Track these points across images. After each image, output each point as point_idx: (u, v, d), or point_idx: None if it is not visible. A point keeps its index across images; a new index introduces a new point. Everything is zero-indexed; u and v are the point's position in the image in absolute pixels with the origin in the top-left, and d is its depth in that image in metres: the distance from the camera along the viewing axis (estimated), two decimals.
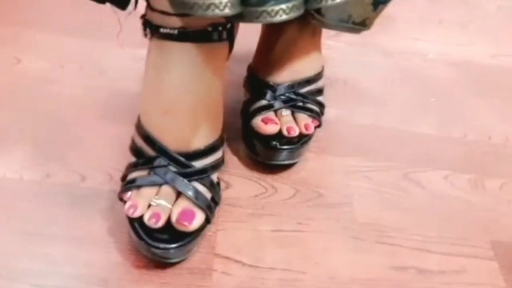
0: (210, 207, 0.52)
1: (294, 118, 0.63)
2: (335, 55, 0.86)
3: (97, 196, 0.58)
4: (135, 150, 0.54)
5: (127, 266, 0.52)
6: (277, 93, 0.63)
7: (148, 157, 0.53)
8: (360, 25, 0.60)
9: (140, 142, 0.54)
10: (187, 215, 0.50)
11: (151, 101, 0.53)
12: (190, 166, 0.52)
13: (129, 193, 0.52)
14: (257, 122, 0.62)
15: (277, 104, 0.63)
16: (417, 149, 0.71)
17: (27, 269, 0.50)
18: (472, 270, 0.56)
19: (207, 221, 0.52)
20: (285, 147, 0.61)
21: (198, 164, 0.53)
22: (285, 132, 0.61)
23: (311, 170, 0.65)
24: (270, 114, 0.63)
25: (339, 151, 0.68)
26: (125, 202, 0.51)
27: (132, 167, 0.53)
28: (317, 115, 0.65)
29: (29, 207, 0.56)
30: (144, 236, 0.49)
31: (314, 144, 0.66)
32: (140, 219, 0.50)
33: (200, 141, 0.53)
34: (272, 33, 0.65)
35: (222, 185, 0.59)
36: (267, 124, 0.61)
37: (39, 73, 0.74)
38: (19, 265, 0.51)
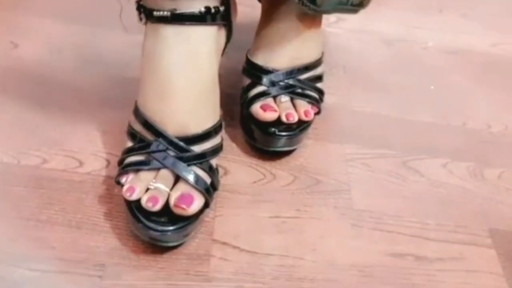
0: (209, 191, 0.52)
1: (294, 105, 0.63)
2: (335, 42, 0.86)
3: (94, 182, 0.58)
4: (132, 134, 0.54)
5: (124, 251, 0.52)
6: (276, 79, 0.63)
7: (146, 141, 0.52)
8: (358, 5, 0.60)
9: (138, 127, 0.53)
10: (186, 198, 0.50)
11: (148, 85, 0.53)
12: (189, 151, 0.52)
13: (126, 176, 0.52)
14: (256, 109, 0.62)
15: (275, 91, 0.63)
16: (416, 137, 0.70)
17: (24, 254, 0.50)
18: (470, 258, 0.56)
19: (206, 205, 0.52)
20: (283, 133, 0.61)
21: (197, 148, 0.53)
22: (284, 119, 0.61)
23: (309, 157, 0.65)
24: (269, 100, 0.62)
25: (338, 138, 0.68)
26: (122, 185, 0.51)
27: (129, 151, 0.53)
28: (317, 102, 0.64)
29: (26, 192, 0.56)
30: (141, 219, 0.49)
31: (313, 131, 0.66)
32: (137, 202, 0.49)
33: (198, 126, 0.53)
34: (271, 19, 0.65)
35: (221, 171, 0.59)
36: (266, 111, 0.61)
37: (36, 58, 0.73)
38: (16, 250, 0.50)
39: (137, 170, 0.51)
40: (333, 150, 0.66)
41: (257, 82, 0.64)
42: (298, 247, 0.55)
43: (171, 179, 0.51)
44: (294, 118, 0.61)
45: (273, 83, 0.63)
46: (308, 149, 0.66)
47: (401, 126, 0.72)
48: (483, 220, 0.61)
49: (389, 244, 0.56)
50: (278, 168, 0.63)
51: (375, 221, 0.59)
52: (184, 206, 0.49)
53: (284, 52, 0.64)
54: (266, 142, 0.62)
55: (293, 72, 0.64)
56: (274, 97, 0.63)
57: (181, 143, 0.52)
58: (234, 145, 0.65)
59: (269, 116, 0.61)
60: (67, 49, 0.75)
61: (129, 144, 0.54)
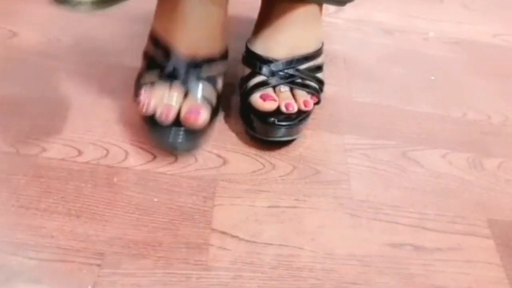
0: (217, 103, 0.60)
1: (293, 95, 0.63)
2: (335, 32, 0.86)
3: (93, 171, 0.58)
4: (147, 54, 0.60)
5: (123, 240, 0.52)
6: (276, 69, 0.63)
7: (159, 60, 0.58)
8: None
9: (152, 48, 0.59)
10: (195, 112, 0.55)
11: (162, 10, 0.58)
12: (199, 69, 0.58)
13: (141, 92, 0.57)
14: (256, 98, 0.62)
15: (275, 80, 0.62)
16: (416, 128, 0.70)
17: (23, 242, 0.50)
18: (469, 248, 0.57)
19: (215, 113, 0.59)
20: (283, 123, 0.61)
21: (206, 67, 0.59)
22: (283, 109, 0.61)
23: (309, 147, 0.65)
24: (269, 90, 0.62)
25: (337, 128, 0.68)
26: (138, 102, 0.57)
27: (145, 69, 0.60)
28: (316, 92, 0.64)
29: (25, 181, 0.55)
30: (157, 128, 0.56)
31: (312, 121, 0.66)
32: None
33: (208, 48, 0.59)
34: (271, 8, 0.64)
35: (220, 161, 0.59)
36: (265, 101, 0.61)
37: (35, 47, 0.73)
38: (15, 239, 0.50)
39: (151, 87, 0.57)
40: (332, 140, 0.66)
41: (256, 72, 0.63)
42: (296, 237, 0.55)
43: (181, 94, 0.57)
44: (294, 108, 0.61)
45: (272, 73, 0.63)
46: (308, 139, 0.66)
47: (400, 117, 0.72)
48: (482, 211, 0.61)
49: (388, 234, 0.57)
50: (277, 158, 0.63)
51: (374, 211, 0.59)
52: (193, 119, 0.55)
53: (284, 42, 0.64)
54: (266, 132, 0.62)
55: (292, 62, 0.63)
56: (274, 87, 0.62)
57: (192, 63, 0.57)
58: (233, 135, 0.65)
59: (269, 106, 0.61)
60: (66, 37, 0.75)
61: (145, 63, 0.60)
